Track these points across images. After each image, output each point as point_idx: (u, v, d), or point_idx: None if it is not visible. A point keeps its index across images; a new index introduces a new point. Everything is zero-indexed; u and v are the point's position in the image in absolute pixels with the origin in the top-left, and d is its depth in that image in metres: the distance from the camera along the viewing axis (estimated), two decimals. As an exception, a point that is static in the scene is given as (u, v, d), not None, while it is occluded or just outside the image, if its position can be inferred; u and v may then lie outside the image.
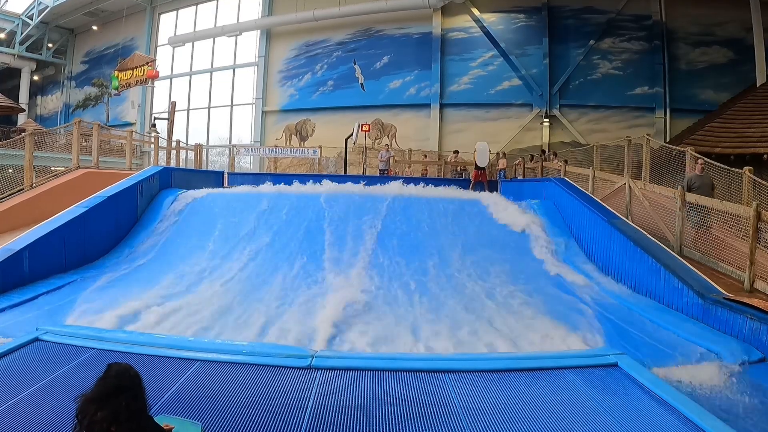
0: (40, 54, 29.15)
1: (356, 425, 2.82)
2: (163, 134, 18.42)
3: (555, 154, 15.53)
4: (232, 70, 25.94)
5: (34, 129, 14.36)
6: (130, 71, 22.46)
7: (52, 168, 12.29)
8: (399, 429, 2.79)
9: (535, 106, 20.81)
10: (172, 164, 15.06)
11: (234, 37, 25.53)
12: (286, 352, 3.90)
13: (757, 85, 16.87)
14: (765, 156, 13.29)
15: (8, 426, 2.61)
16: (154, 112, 26.30)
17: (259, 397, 3.13)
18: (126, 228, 8.83)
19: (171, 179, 10.85)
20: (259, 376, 3.47)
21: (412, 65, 22.32)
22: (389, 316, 5.71)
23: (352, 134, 16.37)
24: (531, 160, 17.15)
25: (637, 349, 4.60)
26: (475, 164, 14.18)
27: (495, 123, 21.16)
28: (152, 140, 17.10)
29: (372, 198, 9.39)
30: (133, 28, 27.58)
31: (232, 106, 25.92)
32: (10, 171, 10.67)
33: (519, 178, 16.12)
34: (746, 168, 7.19)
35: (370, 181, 12.75)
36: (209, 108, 26.40)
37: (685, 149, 8.97)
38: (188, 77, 26.98)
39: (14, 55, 27.98)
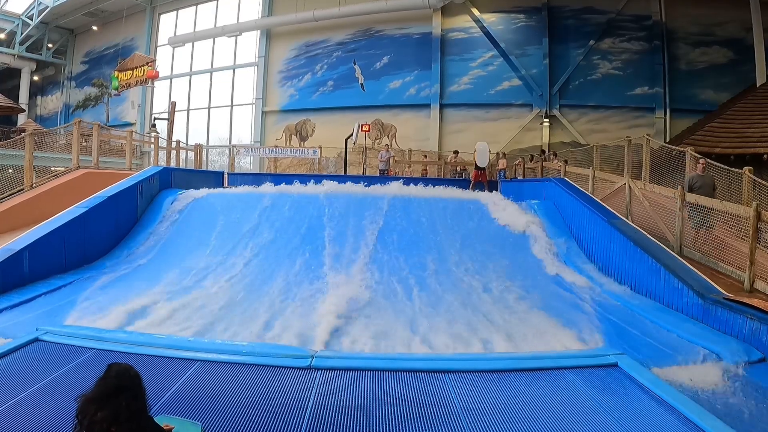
0: (40, 54, 29.16)
1: (356, 425, 2.82)
2: (163, 134, 18.44)
3: (555, 155, 15.53)
4: (232, 71, 25.95)
5: (34, 129, 14.36)
6: (130, 71, 22.49)
7: (52, 168, 12.29)
8: (399, 429, 2.79)
9: (535, 107, 20.81)
10: (172, 164, 15.06)
11: (234, 38, 25.54)
12: (286, 352, 3.90)
13: (757, 85, 16.88)
14: (765, 156, 13.29)
15: (8, 426, 2.61)
16: (154, 112, 26.32)
17: (259, 397, 3.13)
18: (126, 228, 8.83)
19: (171, 179, 10.85)
20: (259, 376, 3.48)
21: (412, 65, 22.33)
22: (389, 311, 5.86)
23: (352, 134, 16.37)
24: (531, 160, 17.16)
25: (637, 349, 4.59)
26: (475, 164, 14.17)
27: (495, 123, 21.17)
28: (152, 140, 17.10)
29: (372, 198, 9.41)
30: (133, 28, 27.59)
31: (232, 106, 25.93)
32: (10, 171, 10.67)
33: (519, 178, 16.13)
34: (746, 168, 7.19)
35: (370, 181, 12.75)
36: (209, 108, 26.41)
37: (685, 149, 8.96)
38: (188, 77, 26.99)
39: (14, 56, 28.00)
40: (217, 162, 20.57)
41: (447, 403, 3.09)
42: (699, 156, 8.46)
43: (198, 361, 3.66)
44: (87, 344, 3.89)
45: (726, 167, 7.67)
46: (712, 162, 7.98)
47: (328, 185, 10.56)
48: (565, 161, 13.62)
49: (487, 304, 6.13)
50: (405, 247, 7.90)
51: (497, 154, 17.59)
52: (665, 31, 19.79)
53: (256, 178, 13.85)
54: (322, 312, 5.57)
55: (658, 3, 19.77)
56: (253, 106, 24.96)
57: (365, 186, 10.93)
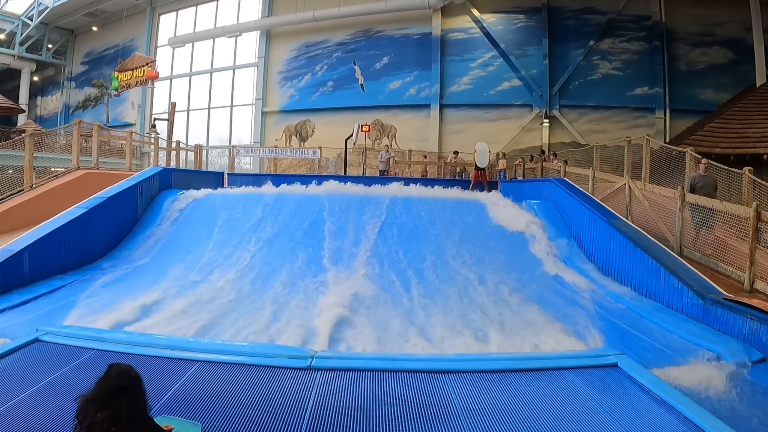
0: (40, 55, 29.17)
1: (356, 426, 2.82)
2: (163, 135, 18.44)
3: (555, 155, 15.53)
4: (232, 71, 25.95)
5: (34, 130, 14.35)
6: (130, 72, 22.49)
7: (52, 169, 12.28)
8: (399, 430, 2.79)
9: (534, 107, 20.81)
10: (172, 165, 15.05)
11: (234, 38, 25.55)
12: (286, 352, 3.90)
13: (757, 86, 16.88)
14: (765, 156, 13.29)
15: (8, 427, 2.61)
16: (154, 112, 26.31)
17: (259, 397, 3.13)
18: (126, 229, 8.83)
19: (171, 180, 10.85)
20: (259, 376, 3.47)
21: (412, 66, 22.33)
22: (389, 304, 6.08)
23: (352, 135, 16.37)
24: (531, 160, 17.18)
25: (637, 349, 4.59)
26: (475, 165, 14.18)
27: (495, 123, 21.17)
28: (152, 141, 17.10)
29: (373, 199, 9.43)
30: (133, 28, 27.60)
31: (232, 106, 25.93)
32: (10, 172, 10.66)
33: (519, 178, 16.13)
34: (746, 168, 7.19)
35: (370, 182, 12.75)
36: (209, 109, 26.41)
37: (685, 150, 8.97)
38: (188, 78, 26.99)
39: (14, 56, 28.01)
40: (217, 162, 20.57)
41: (447, 404, 3.09)
42: (699, 156, 8.47)
43: (198, 361, 3.65)
44: (87, 345, 3.89)
45: (726, 167, 7.68)
46: (712, 162, 7.98)
47: (330, 186, 10.61)
48: (565, 161, 13.62)
49: (493, 311, 6.06)
50: (405, 240, 8.13)
51: (497, 154, 17.60)
52: (665, 32, 19.79)
53: (256, 179, 13.85)
54: (327, 304, 5.81)
55: (658, 3, 19.78)
56: (253, 106, 24.96)
57: (364, 187, 10.92)
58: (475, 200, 9.81)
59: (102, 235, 8.14)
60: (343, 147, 16.78)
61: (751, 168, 7.21)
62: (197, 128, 26.35)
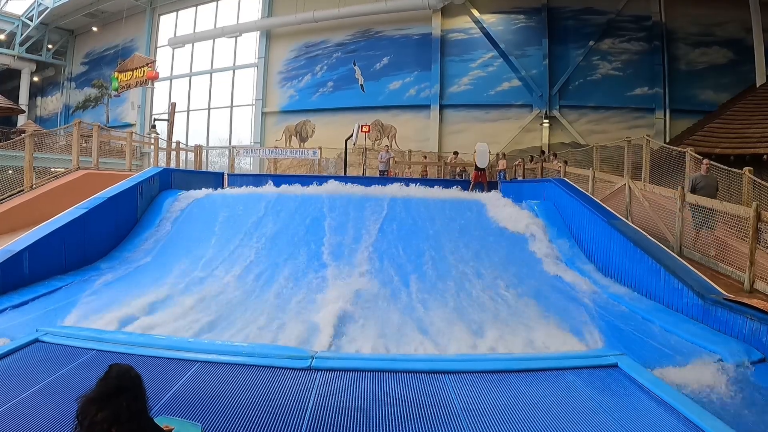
0: (40, 55, 29.17)
1: (356, 426, 2.82)
2: (163, 135, 18.43)
3: (555, 155, 15.53)
4: (231, 71, 25.95)
5: (34, 130, 14.38)
6: (130, 72, 22.48)
7: (52, 169, 12.27)
8: (399, 430, 2.79)
9: (534, 107, 20.81)
10: (172, 165, 15.05)
11: (234, 38, 25.54)
12: (286, 353, 3.90)
13: (757, 86, 16.87)
14: (765, 156, 13.29)
15: (8, 427, 2.61)
16: (153, 113, 26.30)
17: (259, 398, 3.13)
18: (126, 229, 8.83)
19: (171, 180, 10.86)
20: (259, 377, 3.48)
21: (412, 66, 22.33)
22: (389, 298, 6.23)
23: (352, 135, 16.37)
24: (531, 161, 17.18)
25: (637, 349, 4.59)
26: (475, 165, 14.19)
27: (495, 124, 21.17)
28: (152, 141, 17.10)
29: (373, 199, 9.46)
30: (133, 29, 27.60)
31: (231, 107, 25.93)
32: (10, 172, 10.66)
33: (519, 179, 16.14)
34: (746, 168, 7.20)
35: (369, 182, 12.74)
36: (209, 109, 26.41)
37: (685, 150, 8.97)
38: (188, 78, 26.99)
39: (14, 57, 28.01)
40: (217, 163, 20.59)
41: (447, 404, 3.09)
42: (700, 157, 8.47)
43: (198, 362, 3.66)
44: (87, 345, 3.89)
45: (726, 168, 7.68)
46: (712, 162, 7.98)
47: (331, 186, 10.63)
48: (565, 162, 13.62)
49: (494, 312, 6.08)
50: (404, 235, 8.23)
51: (497, 154, 17.60)
52: (665, 32, 19.79)
53: (256, 179, 13.86)
54: (329, 298, 5.94)
55: (658, 3, 19.78)
56: (253, 106, 24.96)
57: (365, 187, 10.93)
58: (475, 200, 9.81)
59: (102, 236, 8.14)
60: (343, 147, 16.79)
61: (751, 168, 7.22)
62: (197, 129, 26.36)
